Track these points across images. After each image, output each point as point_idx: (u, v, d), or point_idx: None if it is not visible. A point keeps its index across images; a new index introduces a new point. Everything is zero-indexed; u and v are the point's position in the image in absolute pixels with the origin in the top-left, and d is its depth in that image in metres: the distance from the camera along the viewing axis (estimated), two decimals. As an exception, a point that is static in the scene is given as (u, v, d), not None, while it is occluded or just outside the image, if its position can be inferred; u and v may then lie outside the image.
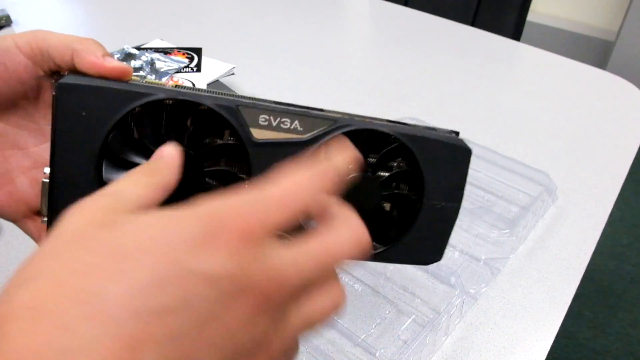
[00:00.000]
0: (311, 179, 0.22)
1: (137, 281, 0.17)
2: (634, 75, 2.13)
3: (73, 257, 0.18)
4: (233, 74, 0.84)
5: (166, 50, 0.86)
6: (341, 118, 0.31)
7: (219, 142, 0.31)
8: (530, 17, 2.40)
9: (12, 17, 1.02)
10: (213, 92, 0.31)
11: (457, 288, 0.50)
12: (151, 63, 0.81)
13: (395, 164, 0.34)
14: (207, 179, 0.30)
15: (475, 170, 0.68)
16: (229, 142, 0.31)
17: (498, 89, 0.93)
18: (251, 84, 0.86)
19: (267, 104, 0.30)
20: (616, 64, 2.26)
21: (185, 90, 0.30)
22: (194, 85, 0.78)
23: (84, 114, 0.28)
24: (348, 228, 0.22)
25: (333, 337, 0.48)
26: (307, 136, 0.31)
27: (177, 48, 0.87)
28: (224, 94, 0.31)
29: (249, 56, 0.96)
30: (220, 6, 1.15)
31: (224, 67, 0.84)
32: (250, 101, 0.30)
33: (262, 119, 0.30)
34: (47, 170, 0.28)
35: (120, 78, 0.29)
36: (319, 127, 0.31)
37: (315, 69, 0.94)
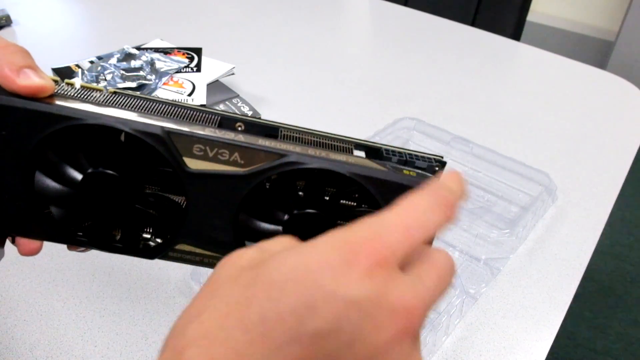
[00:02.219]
0: (433, 206, 0.22)
1: (291, 307, 0.18)
2: (634, 75, 2.13)
3: (232, 293, 0.20)
4: (233, 74, 0.84)
5: (166, 50, 0.86)
6: (292, 152, 0.28)
7: (150, 170, 0.29)
8: (530, 17, 2.40)
9: (12, 17, 1.02)
10: (161, 106, 0.29)
11: (457, 288, 0.50)
12: (151, 63, 0.81)
13: (352, 203, 0.31)
14: (138, 205, 0.29)
15: (475, 170, 0.68)
16: (162, 170, 0.29)
17: (498, 89, 0.93)
18: (251, 84, 0.86)
19: (207, 130, 0.28)
20: (616, 64, 2.26)
21: (115, 108, 0.28)
22: (193, 85, 0.78)
23: (4, 132, 0.26)
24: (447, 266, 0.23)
25: (333, 337, 0.48)
26: (246, 170, 0.28)
27: (177, 48, 0.87)
28: (168, 105, 0.29)
29: (249, 56, 0.96)
30: (220, 6, 1.15)
31: (224, 67, 0.84)
32: (185, 129, 0.27)
33: (197, 148, 0.27)
34: None
35: (36, 96, 0.27)
36: (262, 161, 0.28)
37: (315, 69, 0.94)
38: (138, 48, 0.86)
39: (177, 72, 0.81)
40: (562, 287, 0.55)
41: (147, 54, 0.83)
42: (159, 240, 0.32)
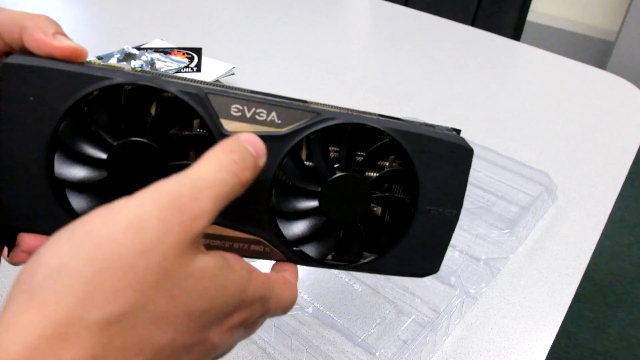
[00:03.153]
0: (291, 303, 0.28)
1: (178, 344, 0.21)
2: (634, 75, 2.13)
3: (153, 302, 0.20)
4: (233, 74, 0.84)
5: (166, 50, 0.86)
6: (325, 111, 0.28)
7: (186, 134, 0.27)
8: (530, 17, 2.40)
9: (12, 17, 1.02)
10: (181, 78, 0.28)
11: (457, 288, 0.50)
12: (151, 63, 0.81)
13: (387, 163, 0.31)
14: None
15: (475, 170, 0.68)
16: (197, 133, 0.27)
17: (498, 89, 0.93)
18: (251, 84, 0.86)
19: (242, 92, 0.27)
20: (616, 64, 2.26)
21: (148, 75, 0.26)
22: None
23: (31, 98, 0.25)
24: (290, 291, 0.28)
25: (333, 337, 0.48)
26: (285, 130, 0.27)
27: (177, 48, 0.87)
28: (194, 81, 0.27)
29: (249, 56, 0.96)
30: (220, 6, 1.15)
31: (224, 67, 0.84)
32: (221, 88, 0.27)
33: (235, 109, 0.26)
34: None
35: (72, 59, 0.26)
36: (300, 120, 0.27)
37: (315, 69, 0.94)
38: (138, 48, 0.86)
39: (177, 72, 0.81)
40: (562, 287, 0.55)
41: (147, 54, 0.83)
42: None
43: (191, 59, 0.85)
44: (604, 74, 0.98)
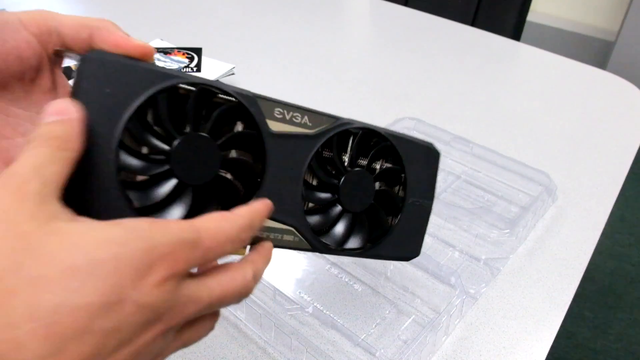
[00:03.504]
0: (237, 234, 0.26)
1: (86, 303, 0.19)
2: (634, 75, 2.13)
3: (23, 266, 0.19)
4: (233, 74, 0.84)
5: (166, 50, 0.86)
6: (341, 118, 0.34)
7: (240, 131, 0.31)
8: (530, 17, 2.40)
9: (12, 17, 1.02)
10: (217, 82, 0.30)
11: (457, 288, 0.50)
12: (151, 63, 0.81)
13: (378, 166, 0.37)
14: (220, 171, 0.29)
15: (475, 170, 0.68)
16: (249, 131, 0.31)
17: (498, 89, 0.93)
18: (251, 84, 0.86)
19: (279, 100, 0.32)
20: (616, 64, 2.26)
21: (198, 77, 0.29)
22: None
23: (108, 90, 0.26)
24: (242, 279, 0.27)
25: (333, 337, 0.48)
26: (314, 131, 0.33)
27: (177, 48, 0.87)
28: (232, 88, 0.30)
29: (249, 56, 0.96)
30: (220, 6, 1.15)
31: (224, 67, 0.84)
32: (265, 95, 0.31)
33: (277, 112, 0.31)
34: None
35: (145, 58, 0.27)
36: (325, 123, 0.33)
37: (315, 69, 0.94)
38: (138, 48, 0.86)
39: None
40: (562, 287, 0.55)
41: (147, 54, 0.83)
42: None
43: (191, 59, 0.85)
44: (604, 74, 0.98)
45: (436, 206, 0.60)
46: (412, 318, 0.50)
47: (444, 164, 0.70)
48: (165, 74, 0.27)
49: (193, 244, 0.23)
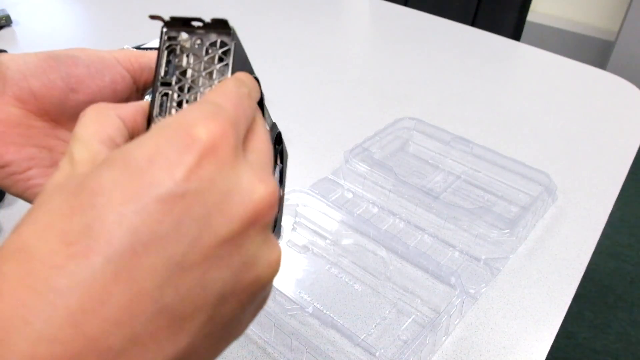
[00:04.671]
0: (237, 89, 0.24)
1: (119, 215, 0.16)
2: (634, 75, 2.13)
3: (56, 202, 0.18)
4: (233, 74, 0.84)
5: (166, 50, 0.86)
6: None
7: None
8: (530, 17, 2.40)
9: (12, 17, 1.02)
10: None
11: (457, 288, 0.50)
12: (151, 63, 0.81)
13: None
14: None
15: (475, 170, 0.68)
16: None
17: (498, 89, 0.93)
18: (251, 84, 0.86)
19: None
20: (616, 64, 2.26)
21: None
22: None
23: (239, 69, 0.29)
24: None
25: (333, 337, 0.48)
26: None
27: (177, 48, 0.87)
28: None
29: (248, 56, 0.95)
30: (220, 6, 1.15)
31: (224, 67, 0.84)
32: None
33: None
34: None
35: None
36: None
37: (315, 69, 0.94)
38: (138, 48, 0.86)
39: (177, 72, 0.81)
40: (562, 287, 0.55)
41: (147, 54, 0.83)
42: None
43: (191, 59, 0.85)
44: (604, 74, 0.98)
45: (436, 206, 0.61)
46: (412, 318, 0.50)
47: (444, 164, 0.70)
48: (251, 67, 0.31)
49: (223, 102, 0.21)
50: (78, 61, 0.29)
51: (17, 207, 0.61)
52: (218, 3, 1.16)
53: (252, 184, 0.19)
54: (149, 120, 0.25)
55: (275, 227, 0.27)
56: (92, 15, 1.11)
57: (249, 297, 0.20)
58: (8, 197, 0.62)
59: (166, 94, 0.26)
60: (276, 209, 0.20)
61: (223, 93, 0.22)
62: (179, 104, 0.25)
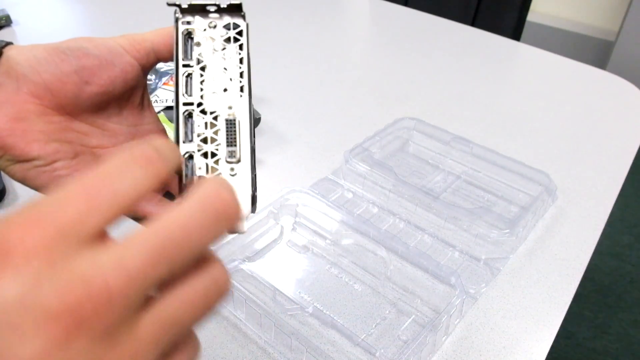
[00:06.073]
0: (123, 166, 0.18)
1: None
2: (634, 75, 2.13)
3: None
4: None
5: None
6: None
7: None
8: (530, 17, 2.40)
9: (12, 17, 1.02)
10: None
11: (457, 288, 0.50)
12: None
13: None
14: None
15: (475, 170, 0.68)
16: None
17: (498, 89, 0.93)
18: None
19: None
20: (616, 64, 2.26)
21: None
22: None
23: None
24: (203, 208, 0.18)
25: (333, 337, 0.48)
26: None
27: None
28: None
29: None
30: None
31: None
32: None
33: None
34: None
35: None
36: None
37: (315, 69, 0.94)
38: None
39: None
40: (562, 287, 0.55)
41: (147, 54, 0.83)
42: None
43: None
44: (604, 74, 0.98)
45: (436, 206, 0.61)
46: (412, 318, 0.50)
47: (444, 164, 0.70)
48: None
49: (58, 203, 0.17)
50: (88, 52, 0.29)
51: (17, 207, 0.61)
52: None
53: (61, 290, 0.15)
54: (177, 100, 0.27)
55: (253, 204, 0.27)
56: (92, 15, 1.11)
57: None
58: (8, 197, 0.62)
59: (189, 75, 0.28)
60: (115, 311, 0.16)
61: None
62: (202, 82, 0.28)
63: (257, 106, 0.79)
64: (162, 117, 0.69)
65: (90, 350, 0.15)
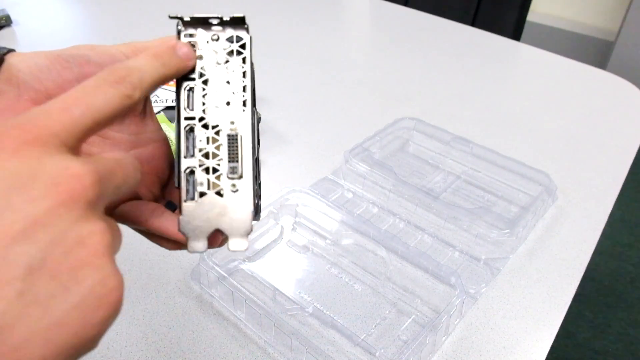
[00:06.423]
0: (99, 84, 0.23)
1: None
2: (634, 75, 2.13)
3: None
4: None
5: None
6: None
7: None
8: (530, 17, 2.40)
9: (12, 17, 1.02)
10: None
11: (457, 288, 0.50)
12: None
13: None
14: None
15: (475, 170, 0.68)
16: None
17: (498, 89, 0.93)
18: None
19: None
20: (616, 64, 2.26)
21: None
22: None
23: None
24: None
25: (333, 337, 0.48)
26: None
27: (177, 48, 0.87)
28: None
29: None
30: (220, 6, 1.15)
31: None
32: None
33: None
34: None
35: None
36: None
37: (315, 69, 0.94)
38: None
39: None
40: (562, 287, 0.55)
41: (147, 54, 0.83)
42: None
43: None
44: (604, 74, 0.98)
45: (436, 206, 0.61)
46: (412, 318, 0.50)
47: (444, 164, 0.70)
48: None
49: (44, 111, 0.21)
50: (90, 60, 0.29)
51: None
52: (218, 3, 1.16)
53: (62, 165, 0.20)
54: (178, 114, 0.27)
55: (257, 213, 0.27)
56: (92, 15, 1.11)
57: (68, 275, 0.19)
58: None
59: (191, 88, 0.28)
60: (96, 189, 0.20)
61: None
62: (204, 96, 0.28)
63: (257, 106, 0.79)
64: (161, 117, 0.69)
65: (72, 214, 0.19)
